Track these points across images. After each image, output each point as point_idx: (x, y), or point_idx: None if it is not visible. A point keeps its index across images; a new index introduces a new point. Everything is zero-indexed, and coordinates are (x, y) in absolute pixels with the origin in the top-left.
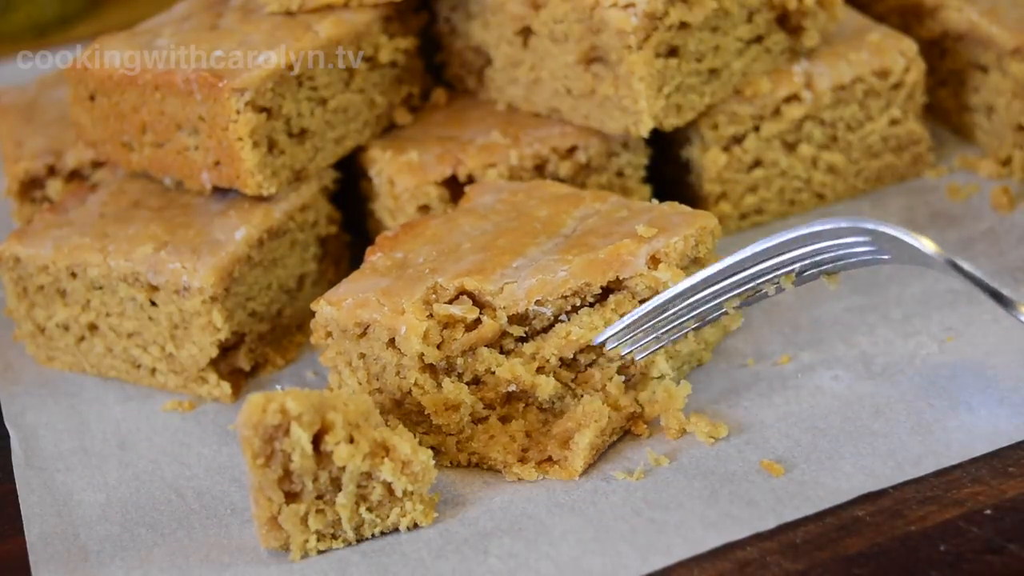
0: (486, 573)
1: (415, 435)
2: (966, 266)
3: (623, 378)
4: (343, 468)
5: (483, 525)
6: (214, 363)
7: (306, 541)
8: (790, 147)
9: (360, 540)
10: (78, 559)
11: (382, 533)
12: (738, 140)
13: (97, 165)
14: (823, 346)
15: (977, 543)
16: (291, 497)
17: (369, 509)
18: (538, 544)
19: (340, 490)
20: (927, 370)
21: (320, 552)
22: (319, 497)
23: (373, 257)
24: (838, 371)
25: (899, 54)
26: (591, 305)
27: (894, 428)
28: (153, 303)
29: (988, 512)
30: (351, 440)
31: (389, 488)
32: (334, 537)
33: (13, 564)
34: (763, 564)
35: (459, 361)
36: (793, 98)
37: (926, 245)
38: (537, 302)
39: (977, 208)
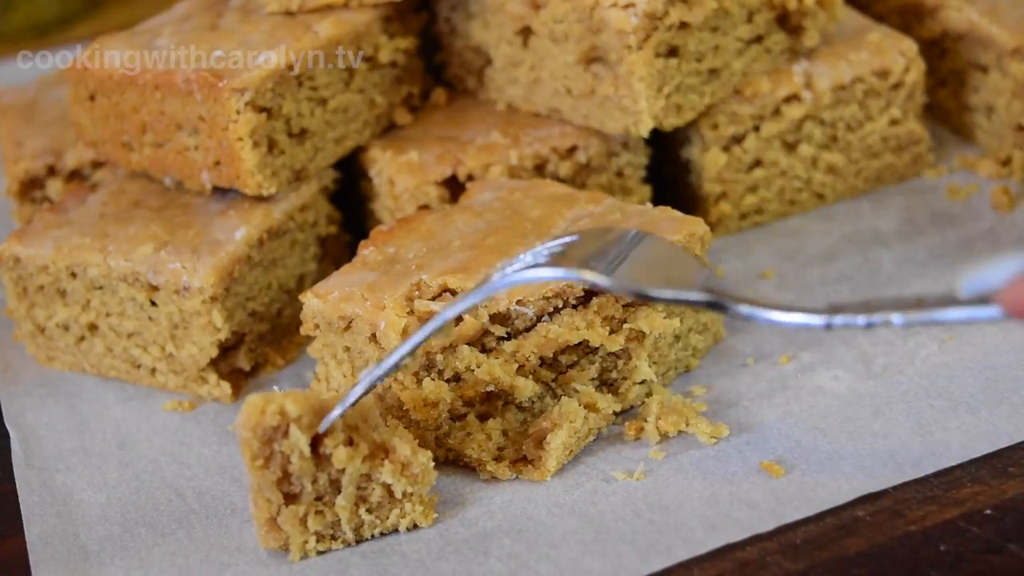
0: (486, 574)
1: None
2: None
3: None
4: (342, 470)
5: (483, 526)
6: (214, 363)
7: (305, 542)
8: (790, 147)
9: (360, 541)
10: (78, 559)
11: (382, 534)
12: (738, 140)
13: (97, 165)
14: (823, 346)
15: (977, 543)
16: (290, 498)
17: (369, 510)
18: (538, 545)
19: (339, 492)
20: (927, 370)
21: (320, 553)
22: (318, 498)
23: (365, 251)
24: (838, 371)
25: (899, 54)
26: (574, 307)
27: (894, 428)
28: (153, 303)
29: (988, 512)
30: (350, 442)
31: (388, 489)
32: (333, 538)
33: (13, 564)
34: (763, 564)
35: (439, 358)
36: (793, 98)
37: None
38: (519, 302)
39: (977, 208)
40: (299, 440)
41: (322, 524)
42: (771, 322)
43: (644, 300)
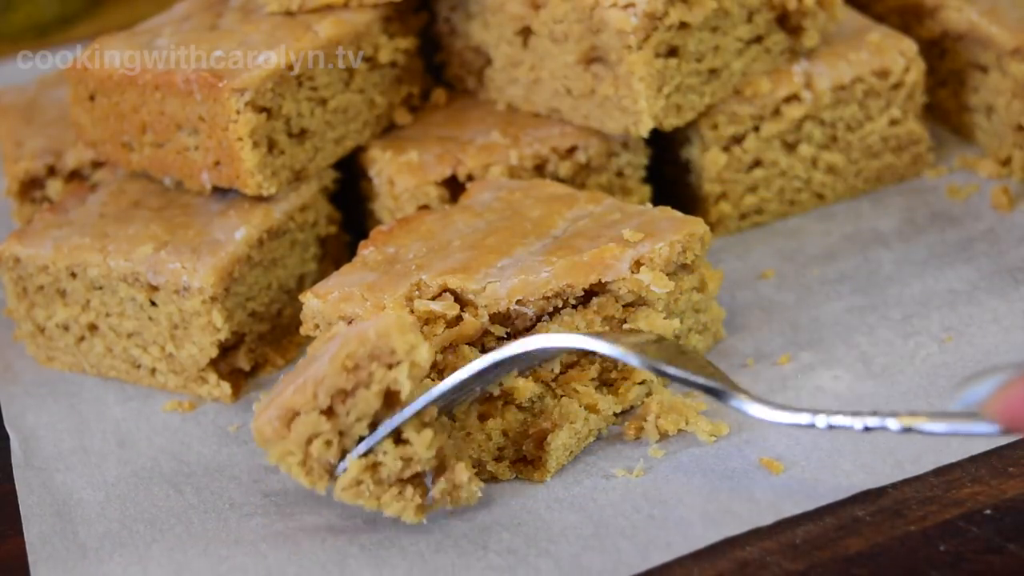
0: (485, 569)
1: None
2: (670, 370)
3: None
4: (401, 441)
5: (482, 520)
6: (214, 363)
7: (290, 455)
8: (790, 147)
9: (327, 494)
10: (77, 557)
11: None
12: (738, 140)
13: (97, 165)
14: (823, 346)
15: (977, 543)
16: (327, 412)
17: (374, 480)
18: (537, 540)
19: (371, 449)
20: (927, 370)
21: (290, 473)
22: (342, 433)
23: (365, 251)
24: (838, 371)
25: (899, 54)
26: (574, 307)
27: None
28: (153, 303)
29: (988, 512)
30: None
31: (402, 478)
32: (313, 474)
33: (13, 564)
34: (763, 564)
35: (439, 358)
36: (793, 98)
37: (629, 355)
38: (519, 302)
39: (977, 208)
40: (403, 385)
41: (320, 453)
42: (776, 423)
43: (664, 376)
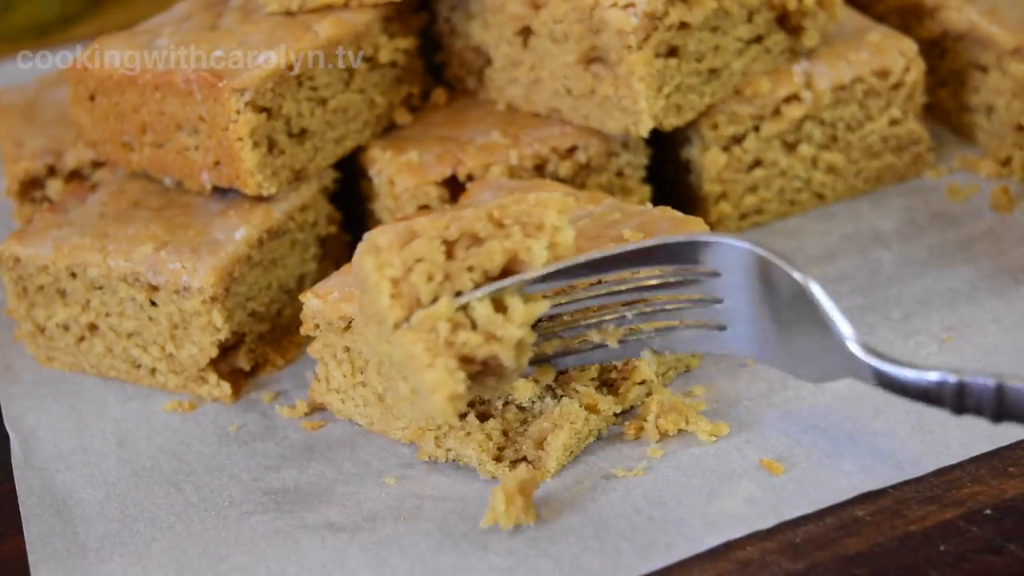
0: (485, 569)
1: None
2: (820, 292)
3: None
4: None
5: (482, 520)
6: (214, 363)
7: (388, 267)
8: (790, 147)
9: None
10: (77, 557)
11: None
12: (738, 140)
13: (97, 165)
14: None
15: (977, 543)
16: (448, 247)
17: (448, 334)
18: (537, 540)
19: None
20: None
21: (376, 288)
22: (448, 277)
23: None
24: None
25: (899, 54)
26: None
27: (894, 427)
28: (153, 303)
29: (988, 512)
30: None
31: (472, 356)
32: (397, 298)
33: (13, 564)
34: (763, 564)
35: None
36: (793, 98)
37: (792, 267)
38: None
39: (977, 208)
40: (536, 255)
41: (417, 279)
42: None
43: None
